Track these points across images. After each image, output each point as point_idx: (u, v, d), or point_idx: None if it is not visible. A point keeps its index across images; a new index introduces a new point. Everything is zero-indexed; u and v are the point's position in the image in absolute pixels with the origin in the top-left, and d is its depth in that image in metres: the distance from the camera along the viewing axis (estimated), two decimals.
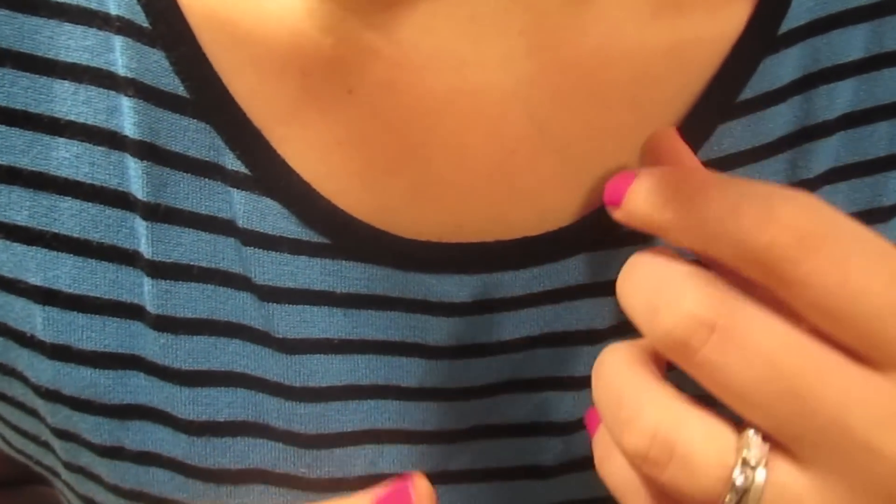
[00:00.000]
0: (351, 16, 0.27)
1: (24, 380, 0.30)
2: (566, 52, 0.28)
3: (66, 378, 0.29)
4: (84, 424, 0.29)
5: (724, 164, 0.29)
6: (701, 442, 0.22)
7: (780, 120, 0.30)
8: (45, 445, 0.31)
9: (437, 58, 0.28)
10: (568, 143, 0.29)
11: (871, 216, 0.31)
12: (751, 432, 0.22)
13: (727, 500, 0.21)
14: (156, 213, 0.28)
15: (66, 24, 0.28)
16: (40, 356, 0.29)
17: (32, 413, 0.30)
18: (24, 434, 0.32)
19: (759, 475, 0.21)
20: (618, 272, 0.29)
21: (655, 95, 0.29)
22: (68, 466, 0.31)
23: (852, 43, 0.29)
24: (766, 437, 0.21)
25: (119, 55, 0.28)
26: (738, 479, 0.21)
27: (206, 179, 0.28)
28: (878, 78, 0.30)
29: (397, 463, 0.30)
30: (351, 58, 0.28)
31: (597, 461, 0.25)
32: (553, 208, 0.29)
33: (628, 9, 0.29)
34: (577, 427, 0.31)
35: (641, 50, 0.29)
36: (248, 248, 0.29)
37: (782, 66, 0.29)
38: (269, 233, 0.29)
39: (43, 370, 0.29)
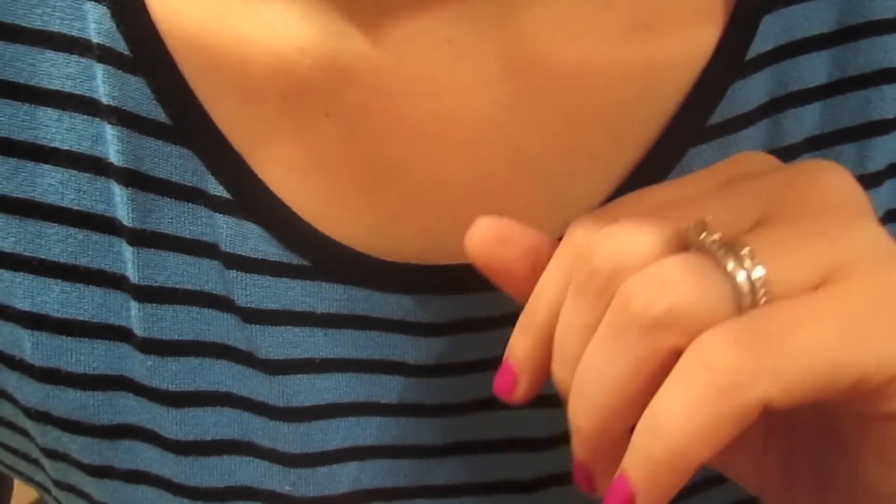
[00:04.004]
0: (329, 39, 0.28)
1: (13, 401, 0.30)
2: (541, 75, 0.29)
3: (56, 400, 0.29)
4: (74, 445, 0.30)
5: None
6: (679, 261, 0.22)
7: (749, 143, 0.30)
8: (36, 463, 0.32)
9: (414, 82, 0.28)
10: (543, 165, 0.30)
11: None
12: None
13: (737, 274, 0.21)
14: (141, 239, 0.29)
15: (47, 51, 0.28)
16: (29, 379, 0.29)
17: (22, 433, 0.31)
18: (14, 452, 0.32)
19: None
20: None
21: (628, 117, 0.30)
22: (58, 485, 0.31)
23: (817, 68, 0.30)
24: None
25: (101, 83, 0.28)
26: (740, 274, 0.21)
27: (190, 204, 0.29)
28: (843, 101, 0.31)
29: (380, 478, 0.31)
30: (328, 81, 0.28)
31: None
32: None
33: (602, 30, 0.29)
34: (555, 443, 0.31)
35: (614, 72, 0.29)
36: (230, 270, 0.29)
37: (750, 91, 0.30)
38: (251, 256, 0.29)
39: (32, 393, 0.29)
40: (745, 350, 0.20)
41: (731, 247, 0.22)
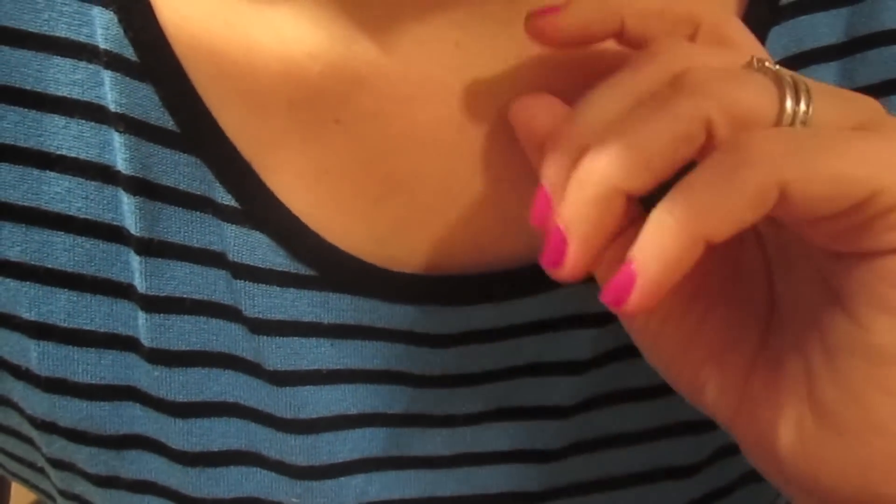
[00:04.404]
0: (338, 44, 0.28)
1: (19, 410, 0.30)
2: (549, 79, 0.29)
3: (62, 410, 0.29)
4: (80, 455, 0.30)
5: None
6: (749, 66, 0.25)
7: None
8: (41, 471, 0.32)
9: (424, 87, 0.28)
10: None
11: None
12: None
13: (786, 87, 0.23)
14: (149, 248, 0.28)
15: (54, 57, 0.28)
16: (35, 389, 0.29)
17: (28, 441, 0.31)
18: (19, 460, 0.32)
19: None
20: (600, 304, 0.30)
21: None
22: (63, 494, 0.31)
23: (825, 79, 0.30)
24: None
25: (108, 90, 0.28)
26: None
27: (198, 213, 0.29)
28: None
29: (387, 489, 0.31)
30: (338, 87, 0.28)
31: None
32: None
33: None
34: (563, 455, 0.32)
35: None
36: (238, 280, 0.29)
37: None
38: (259, 266, 0.29)
39: (38, 402, 0.29)
40: (775, 142, 0.22)
41: (790, 75, 0.24)
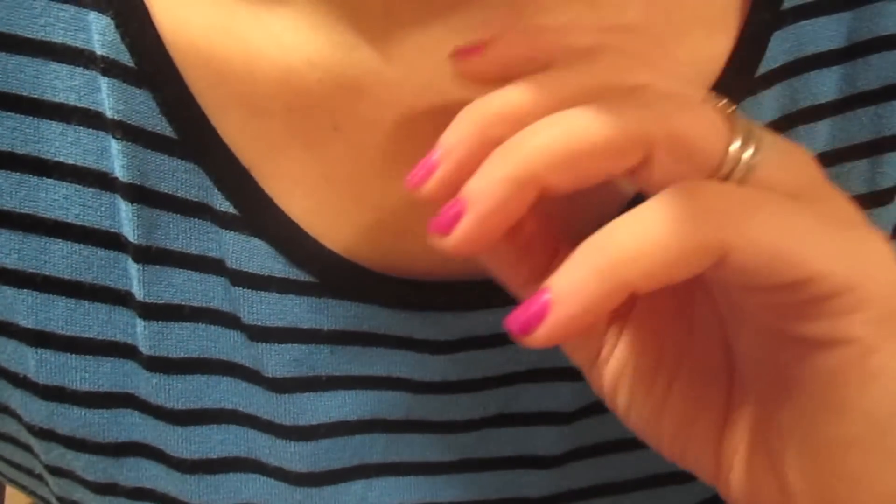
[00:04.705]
0: (338, 51, 0.28)
1: (17, 418, 0.30)
2: None
3: (60, 418, 0.29)
4: (78, 462, 0.30)
5: None
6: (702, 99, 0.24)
7: None
8: (39, 478, 0.32)
9: (423, 95, 0.28)
10: None
11: None
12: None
13: (736, 132, 0.23)
14: (147, 255, 0.28)
15: (51, 62, 0.28)
16: (33, 397, 0.29)
17: (26, 448, 0.31)
18: (17, 467, 0.32)
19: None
20: None
21: None
22: (61, 500, 0.31)
23: (827, 84, 0.30)
24: None
25: (106, 96, 0.28)
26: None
27: (196, 220, 0.29)
28: (854, 118, 0.30)
29: (387, 496, 0.31)
30: (337, 94, 0.28)
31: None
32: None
33: None
34: (563, 461, 0.31)
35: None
36: (237, 287, 0.29)
37: (761, 108, 0.30)
38: (258, 272, 0.29)
39: (36, 410, 0.29)
40: (726, 201, 0.22)
41: (745, 122, 0.23)
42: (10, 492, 0.44)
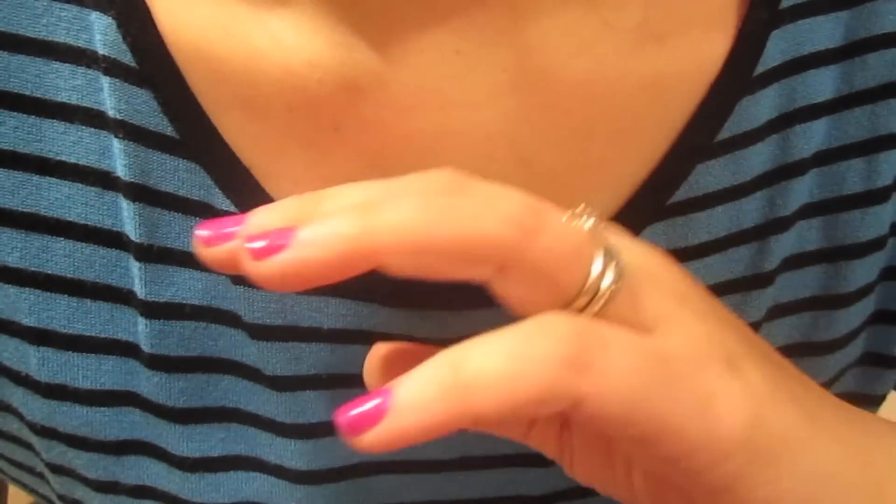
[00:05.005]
0: (338, 52, 0.28)
1: (19, 416, 0.30)
2: (549, 87, 0.29)
3: (62, 416, 0.29)
4: (79, 461, 0.30)
5: (702, 203, 0.30)
6: (564, 217, 0.23)
7: (758, 159, 0.30)
8: (40, 477, 0.32)
9: (423, 95, 0.28)
10: (553, 178, 0.30)
11: (850, 252, 0.32)
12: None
13: (596, 258, 0.22)
14: (149, 254, 0.28)
15: (53, 62, 0.28)
16: (35, 395, 0.29)
17: (27, 447, 0.31)
18: (18, 466, 0.32)
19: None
20: None
21: (636, 130, 0.30)
22: (62, 499, 0.31)
23: (825, 83, 0.30)
24: None
25: (108, 95, 0.28)
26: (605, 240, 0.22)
27: (197, 219, 0.29)
28: (851, 116, 0.31)
29: (387, 494, 0.31)
30: (337, 95, 0.28)
31: None
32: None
33: (611, 43, 0.29)
34: None
35: (623, 85, 0.29)
36: (237, 286, 0.29)
37: (759, 107, 0.30)
38: None
39: (38, 408, 0.29)
40: (584, 342, 0.21)
41: (613, 254, 0.22)
42: (13, 491, 0.44)
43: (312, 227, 0.21)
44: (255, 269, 0.21)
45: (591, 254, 0.22)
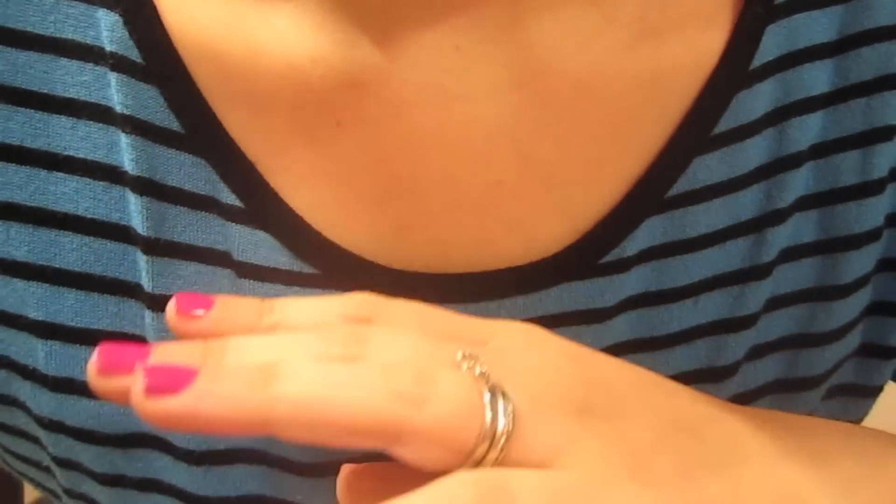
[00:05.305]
0: (340, 48, 0.28)
1: (26, 410, 0.30)
2: (548, 83, 0.29)
3: (69, 410, 0.29)
4: (86, 454, 0.30)
5: (700, 196, 0.31)
6: (450, 372, 0.23)
7: (755, 152, 0.31)
8: (47, 471, 0.32)
9: (424, 91, 0.29)
10: (552, 173, 0.30)
11: (846, 243, 0.32)
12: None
13: (487, 406, 0.22)
14: (156, 248, 0.29)
15: (61, 59, 0.28)
16: (42, 389, 0.29)
17: (34, 441, 0.31)
18: (25, 460, 0.32)
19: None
20: (600, 300, 0.30)
21: (634, 125, 0.30)
22: (69, 493, 0.31)
23: (820, 76, 0.31)
24: None
25: (115, 91, 0.28)
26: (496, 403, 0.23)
27: (203, 213, 0.29)
28: (846, 109, 0.31)
29: None
30: (340, 91, 0.28)
31: None
32: (539, 237, 0.30)
33: (609, 39, 0.29)
34: None
35: (621, 80, 0.30)
36: (243, 279, 0.29)
37: (756, 101, 0.30)
38: (263, 264, 0.29)
39: (45, 402, 0.30)
40: (496, 498, 0.21)
41: (495, 385, 0.23)
42: (28, 487, 0.44)
43: (212, 381, 0.21)
44: (143, 405, 0.21)
45: (481, 404, 0.23)
